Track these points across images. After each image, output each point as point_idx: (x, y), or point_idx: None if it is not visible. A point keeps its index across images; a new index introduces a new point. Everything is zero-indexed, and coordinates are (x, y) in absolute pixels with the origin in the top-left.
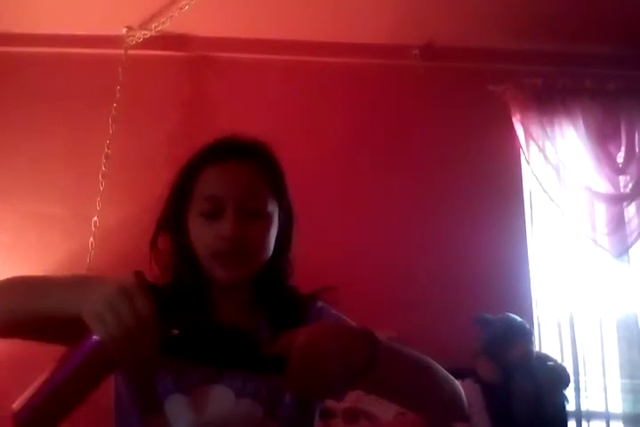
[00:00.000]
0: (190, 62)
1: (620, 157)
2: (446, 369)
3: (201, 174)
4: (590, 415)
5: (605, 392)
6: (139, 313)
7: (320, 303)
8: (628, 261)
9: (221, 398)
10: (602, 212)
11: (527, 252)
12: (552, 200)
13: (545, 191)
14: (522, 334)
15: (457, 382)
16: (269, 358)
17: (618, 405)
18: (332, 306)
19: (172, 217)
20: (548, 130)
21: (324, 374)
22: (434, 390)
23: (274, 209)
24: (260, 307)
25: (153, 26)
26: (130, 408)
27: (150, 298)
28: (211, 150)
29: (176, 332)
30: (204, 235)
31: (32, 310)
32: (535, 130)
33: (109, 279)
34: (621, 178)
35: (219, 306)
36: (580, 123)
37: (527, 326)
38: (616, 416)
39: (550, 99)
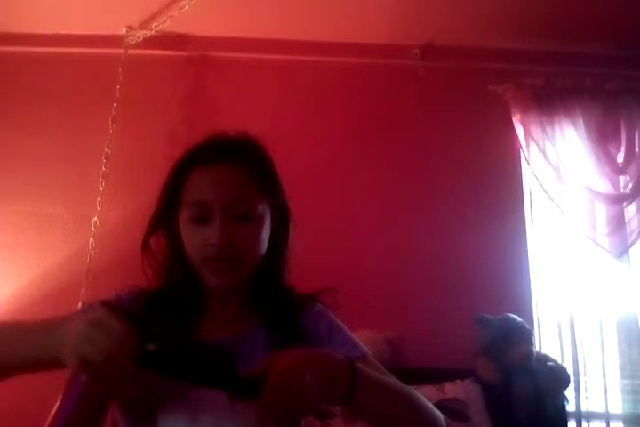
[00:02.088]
0: (190, 62)
1: (620, 157)
2: (447, 370)
3: (189, 177)
4: (590, 416)
5: (605, 393)
6: (114, 336)
7: (318, 307)
8: (629, 262)
9: (215, 402)
10: (602, 212)
11: (527, 252)
12: (552, 200)
13: (545, 191)
14: (522, 335)
15: (438, 412)
16: (246, 381)
17: (618, 405)
18: (331, 308)
19: (164, 219)
20: (548, 130)
21: (299, 402)
22: (413, 420)
23: (265, 210)
24: (256, 308)
25: (153, 25)
26: (122, 421)
27: (122, 320)
28: (198, 152)
29: (152, 347)
30: (193, 240)
31: (7, 363)
32: (535, 130)
33: (76, 317)
34: (621, 178)
35: (212, 309)
36: (581, 123)
37: (527, 326)
38: (616, 417)
39: (550, 99)
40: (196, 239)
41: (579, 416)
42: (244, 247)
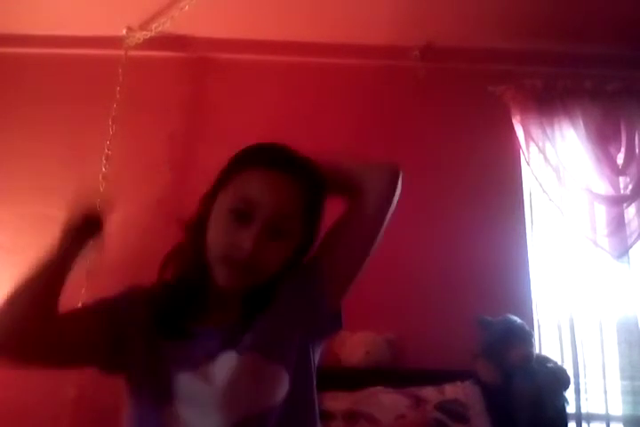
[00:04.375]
0: (190, 63)
1: (620, 159)
2: (447, 371)
3: (245, 171)
4: (590, 417)
5: (605, 394)
6: None
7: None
8: (629, 263)
9: (225, 361)
10: (602, 213)
11: (527, 253)
12: (552, 201)
13: (545, 192)
14: (522, 336)
15: None
16: None
17: (618, 407)
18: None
19: (211, 199)
20: (548, 131)
21: None
22: None
23: (299, 230)
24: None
25: (153, 26)
26: (145, 399)
27: None
28: (265, 152)
29: None
30: (223, 234)
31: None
32: (535, 131)
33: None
34: (621, 179)
35: (212, 307)
36: (580, 124)
37: (527, 327)
38: (616, 418)
39: (550, 100)
40: (226, 235)
41: (579, 418)
42: (267, 262)
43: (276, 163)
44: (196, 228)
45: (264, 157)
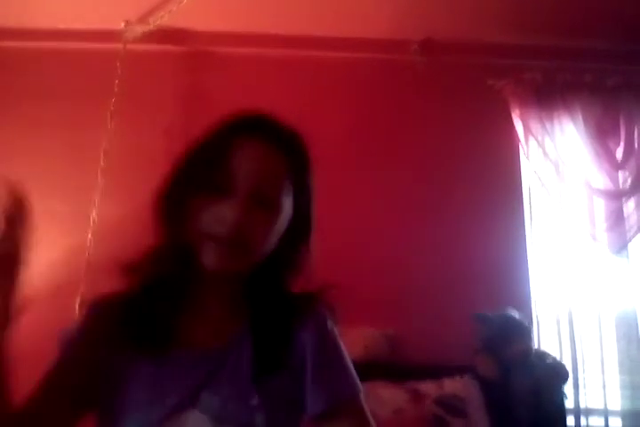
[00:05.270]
0: (189, 57)
1: (619, 153)
2: (445, 366)
3: (224, 141)
4: (589, 412)
5: (604, 389)
6: None
7: (322, 310)
8: (627, 257)
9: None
10: (601, 207)
11: (526, 248)
12: (551, 196)
13: (544, 187)
14: (521, 331)
15: None
16: None
17: (616, 401)
18: (330, 306)
19: (182, 193)
20: (548, 125)
21: None
22: None
23: (287, 203)
24: (246, 304)
25: (151, 20)
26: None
27: None
28: (247, 121)
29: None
30: (205, 212)
31: None
32: (534, 125)
33: None
34: (620, 173)
35: (201, 298)
36: (580, 118)
37: (526, 322)
38: (615, 413)
39: (550, 94)
40: (209, 211)
41: (577, 412)
42: (255, 234)
43: (258, 131)
44: (173, 209)
45: (246, 126)
